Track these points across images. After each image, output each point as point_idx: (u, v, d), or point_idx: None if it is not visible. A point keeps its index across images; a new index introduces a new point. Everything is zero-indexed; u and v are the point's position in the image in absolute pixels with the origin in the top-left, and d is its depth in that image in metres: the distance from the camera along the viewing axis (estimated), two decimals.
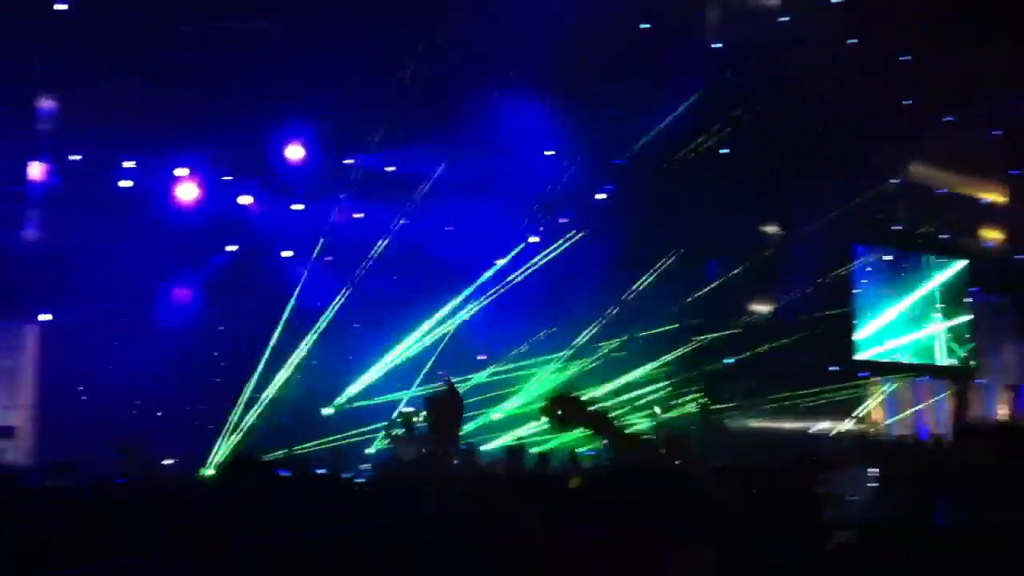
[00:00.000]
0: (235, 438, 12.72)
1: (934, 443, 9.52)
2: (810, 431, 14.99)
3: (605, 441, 3.23)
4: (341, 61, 12.34)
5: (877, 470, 4.10)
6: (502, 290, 14.11)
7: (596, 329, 14.37)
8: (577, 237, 14.44)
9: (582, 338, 14.33)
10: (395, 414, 12.10)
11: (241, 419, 12.82)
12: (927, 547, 2.49)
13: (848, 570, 2.78)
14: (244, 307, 13.10)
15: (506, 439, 13.44)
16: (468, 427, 13.48)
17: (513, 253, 14.22)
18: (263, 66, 12.14)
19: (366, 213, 13.84)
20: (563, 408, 3.18)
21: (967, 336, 18.50)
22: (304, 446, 12.03)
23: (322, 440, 12.42)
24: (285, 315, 13.03)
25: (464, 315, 14.04)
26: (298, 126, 13.18)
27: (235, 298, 13.09)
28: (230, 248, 13.44)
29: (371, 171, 13.57)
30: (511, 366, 14.16)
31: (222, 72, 11.97)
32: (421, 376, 13.43)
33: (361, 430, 12.88)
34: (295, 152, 13.29)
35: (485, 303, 14.20)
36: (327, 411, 13.36)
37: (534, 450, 10.86)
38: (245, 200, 13.34)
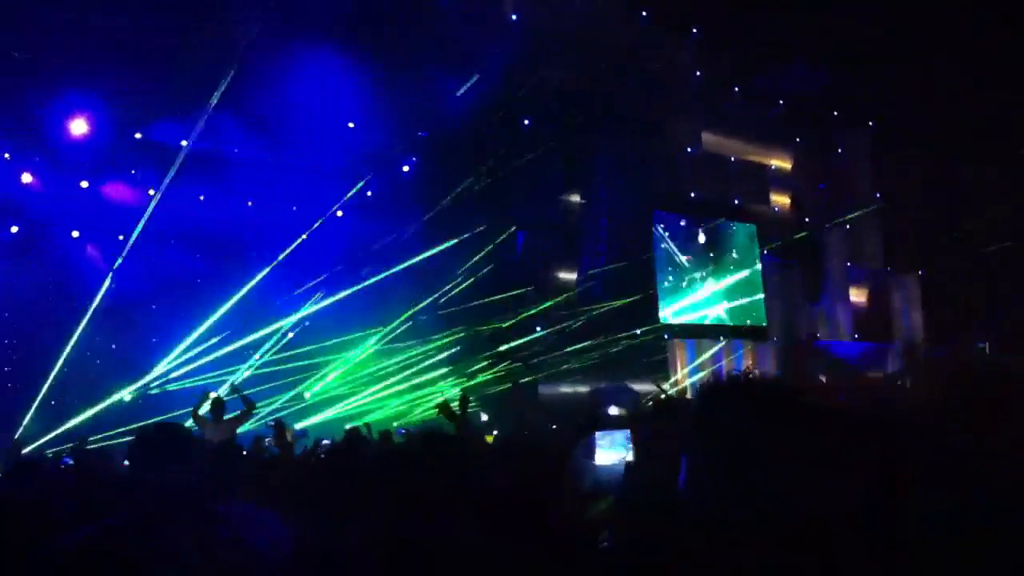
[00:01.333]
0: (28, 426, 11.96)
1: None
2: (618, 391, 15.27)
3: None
4: (131, 30, 11.70)
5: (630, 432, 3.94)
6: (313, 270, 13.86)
7: (404, 303, 14.33)
8: (384, 210, 14.33)
9: (390, 312, 14.25)
10: (204, 394, 11.65)
11: (34, 408, 12.06)
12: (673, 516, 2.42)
13: (601, 540, 2.76)
14: (32, 293, 12.32)
15: (322, 417, 13.30)
16: (281, 404, 13.25)
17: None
18: (42, 39, 11.39)
19: (160, 189, 13.24)
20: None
21: (758, 298, 19.39)
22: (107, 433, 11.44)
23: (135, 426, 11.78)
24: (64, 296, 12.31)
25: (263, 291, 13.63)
26: (82, 99, 12.39)
27: (21, 281, 12.28)
28: (12, 229, 12.60)
29: (164, 146, 13.00)
30: (323, 342, 13.93)
31: None
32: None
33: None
34: (79, 127, 12.51)
35: (301, 286, 13.91)
36: (127, 396, 12.71)
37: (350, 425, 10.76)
38: (26, 179, 12.51)
